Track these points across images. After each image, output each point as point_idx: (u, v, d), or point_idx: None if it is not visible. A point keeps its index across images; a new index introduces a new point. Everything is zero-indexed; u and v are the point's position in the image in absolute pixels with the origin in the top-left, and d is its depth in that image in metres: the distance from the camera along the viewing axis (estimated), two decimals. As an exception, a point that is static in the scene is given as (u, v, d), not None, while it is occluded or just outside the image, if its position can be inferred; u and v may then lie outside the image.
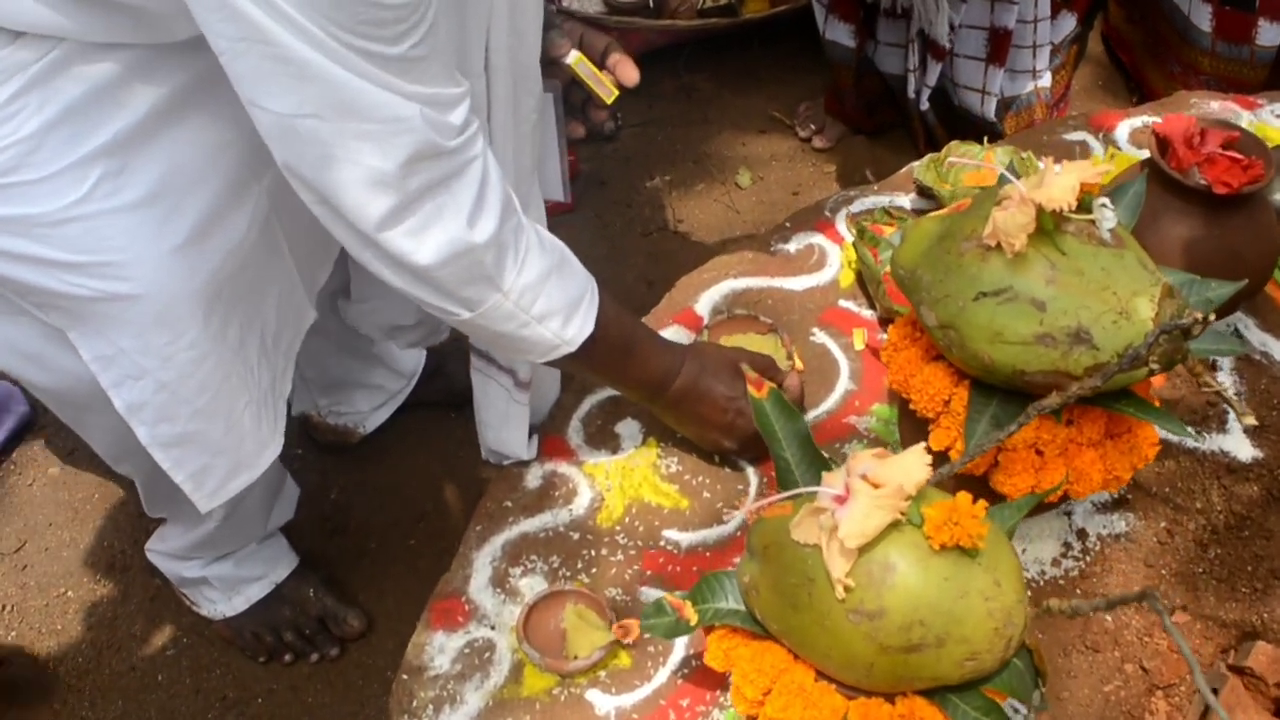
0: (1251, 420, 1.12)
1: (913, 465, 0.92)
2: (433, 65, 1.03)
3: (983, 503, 0.94)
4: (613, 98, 1.40)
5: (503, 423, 1.43)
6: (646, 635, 1.16)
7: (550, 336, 1.22)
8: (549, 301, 1.20)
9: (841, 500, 0.93)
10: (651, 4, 2.76)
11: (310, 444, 2.05)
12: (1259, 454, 1.37)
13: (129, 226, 1.16)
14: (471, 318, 1.17)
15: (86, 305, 1.18)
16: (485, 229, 1.10)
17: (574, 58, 1.39)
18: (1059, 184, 1.07)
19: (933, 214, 1.22)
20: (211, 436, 1.32)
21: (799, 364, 1.44)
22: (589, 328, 1.24)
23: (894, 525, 0.92)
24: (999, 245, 1.09)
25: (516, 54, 1.25)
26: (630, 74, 1.41)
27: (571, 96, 1.45)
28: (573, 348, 1.23)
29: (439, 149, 1.05)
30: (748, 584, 1.02)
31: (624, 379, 1.36)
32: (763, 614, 1.01)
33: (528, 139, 1.33)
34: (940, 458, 1.16)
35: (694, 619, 1.04)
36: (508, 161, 1.28)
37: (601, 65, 1.41)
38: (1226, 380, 1.45)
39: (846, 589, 0.92)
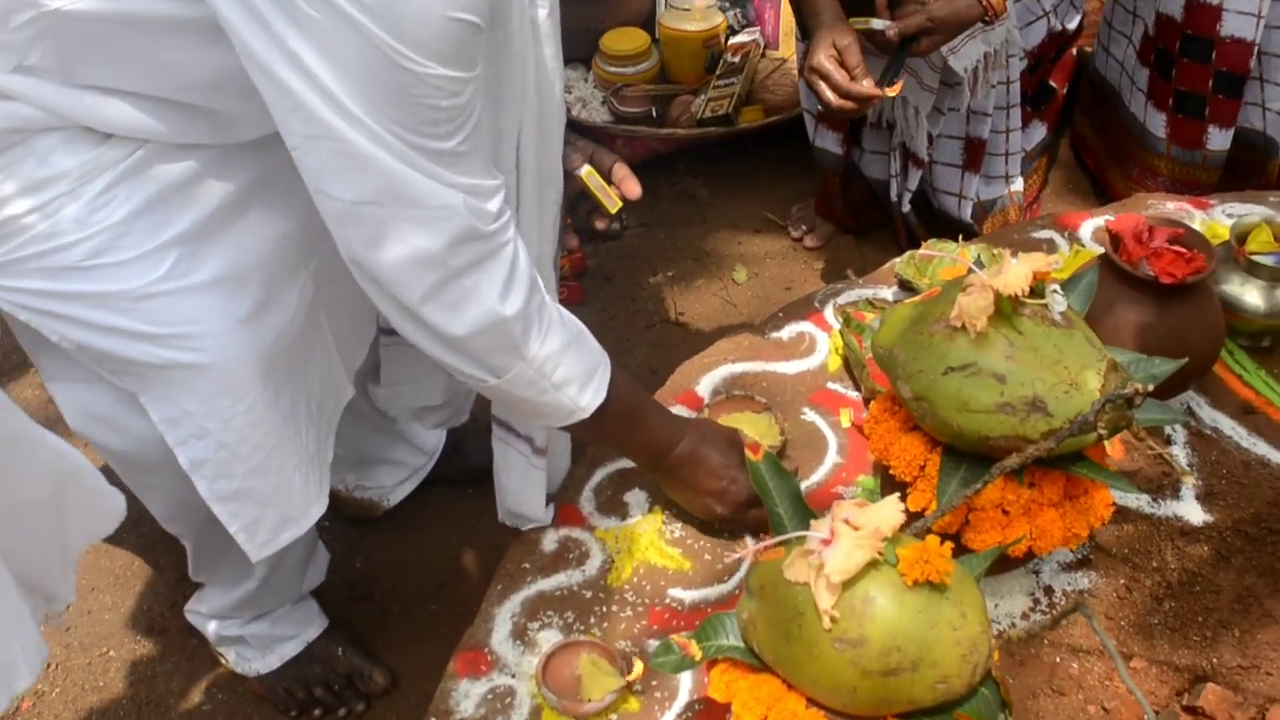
0: (1191, 479, 1.26)
1: (888, 511, 1.07)
2: (475, 159, 1.18)
3: (949, 544, 1.08)
4: (617, 208, 1.53)
5: (522, 487, 1.55)
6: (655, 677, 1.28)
7: (567, 402, 1.34)
8: (567, 370, 1.32)
9: (827, 542, 1.06)
10: (654, 114, 2.91)
11: (338, 516, 2.16)
12: (1209, 518, 1.50)
13: (201, 303, 1.31)
14: (498, 384, 1.30)
15: (158, 372, 1.32)
16: (514, 304, 1.23)
17: (585, 171, 1.52)
18: (1014, 272, 1.23)
19: (907, 300, 1.38)
20: (264, 492, 1.44)
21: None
22: (601, 395, 1.36)
23: (873, 564, 1.06)
24: (964, 326, 1.24)
25: (543, 154, 1.37)
26: (633, 188, 1.53)
27: (579, 205, 1.58)
28: (587, 414, 1.36)
29: (478, 233, 1.18)
30: (746, 620, 1.15)
31: (630, 445, 1.48)
32: (759, 647, 1.13)
33: (550, 229, 1.46)
34: (918, 518, 1.30)
35: (698, 654, 1.16)
36: (532, 246, 1.41)
37: (609, 179, 1.54)
38: (1180, 453, 1.58)
39: (832, 619, 1.05)
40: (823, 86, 1.95)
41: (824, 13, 2.01)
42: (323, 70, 1.05)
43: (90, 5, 1.16)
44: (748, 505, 1.48)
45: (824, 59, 1.94)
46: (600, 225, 1.57)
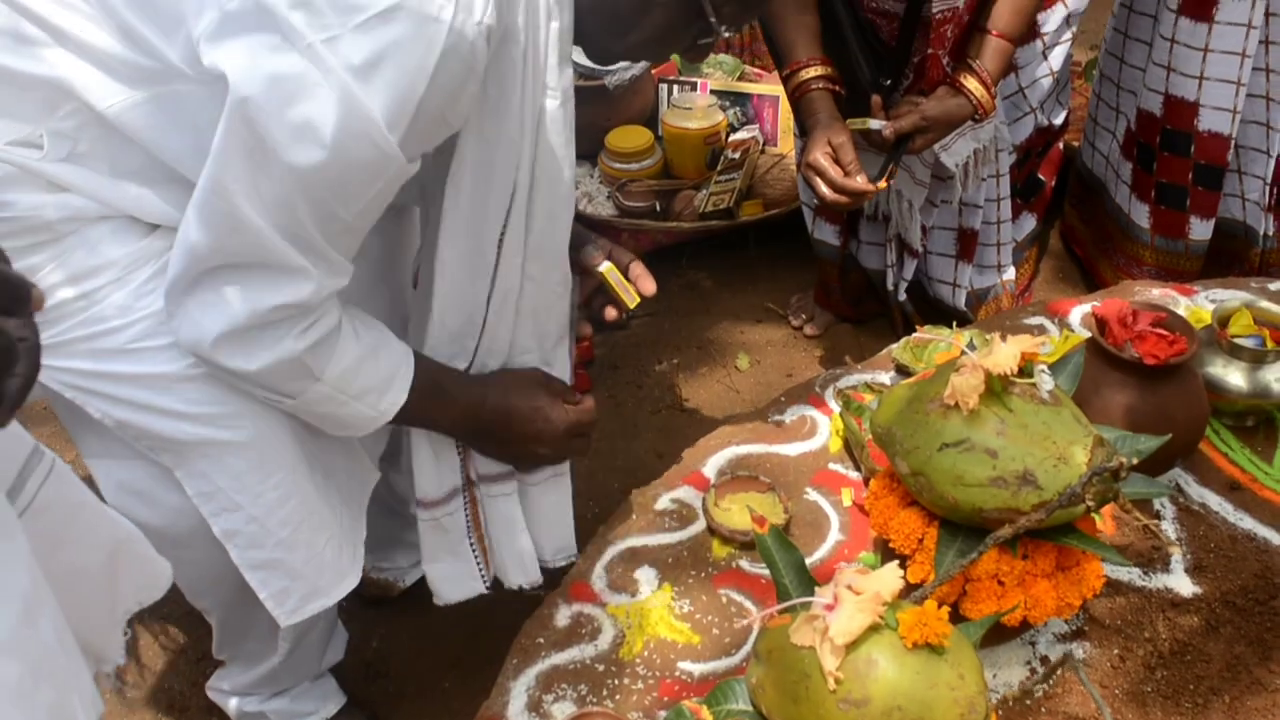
0: (1178, 550, 1.32)
1: (888, 577, 1.13)
2: (355, 240, 1.29)
3: (946, 608, 1.14)
4: (635, 303, 1.61)
5: (516, 534, 1.66)
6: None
7: (368, 410, 1.42)
8: (365, 382, 1.40)
9: (831, 607, 1.13)
10: (658, 208, 3.01)
11: (356, 596, 2.21)
12: (1198, 590, 1.56)
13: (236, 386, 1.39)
14: (294, 404, 1.37)
15: (194, 448, 1.40)
16: (309, 339, 1.31)
17: (606, 267, 1.61)
18: (1003, 353, 1.31)
19: (904, 382, 1.45)
20: (293, 564, 1.51)
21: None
22: (402, 398, 1.44)
23: (874, 628, 1.12)
24: (957, 404, 1.31)
25: (550, 237, 1.46)
26: (649, 286, 1.62)
27: (594, 298, 1.67)
28: (388, 418, 1.44)
29: (310, 305, 1.29)
30: (755, 684, 1.21)
31: (438, 423, 1.55)
32: (768, 710, 1.19)
33: (554, 309, 1.54)
34: (917, 589, 1.36)
35: (709, 719, 1.22)
36: (522, 324, 1.52)
37: (626, 276, 1.62)
38: (1169, 527, 1.64)
39: (837, 681, 1.11)
40: (819, 181, 2.04)
41: (820, 113, 2.11)
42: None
43: (126, 108, 1.25)
44: (568, 436, 1.57)
45: (820, 156, 2.04)
46: (610, 317, 1.65)
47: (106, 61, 1.25)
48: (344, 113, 1.15)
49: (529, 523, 1.68)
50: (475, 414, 1.53)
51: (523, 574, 1.71)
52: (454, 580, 1.70)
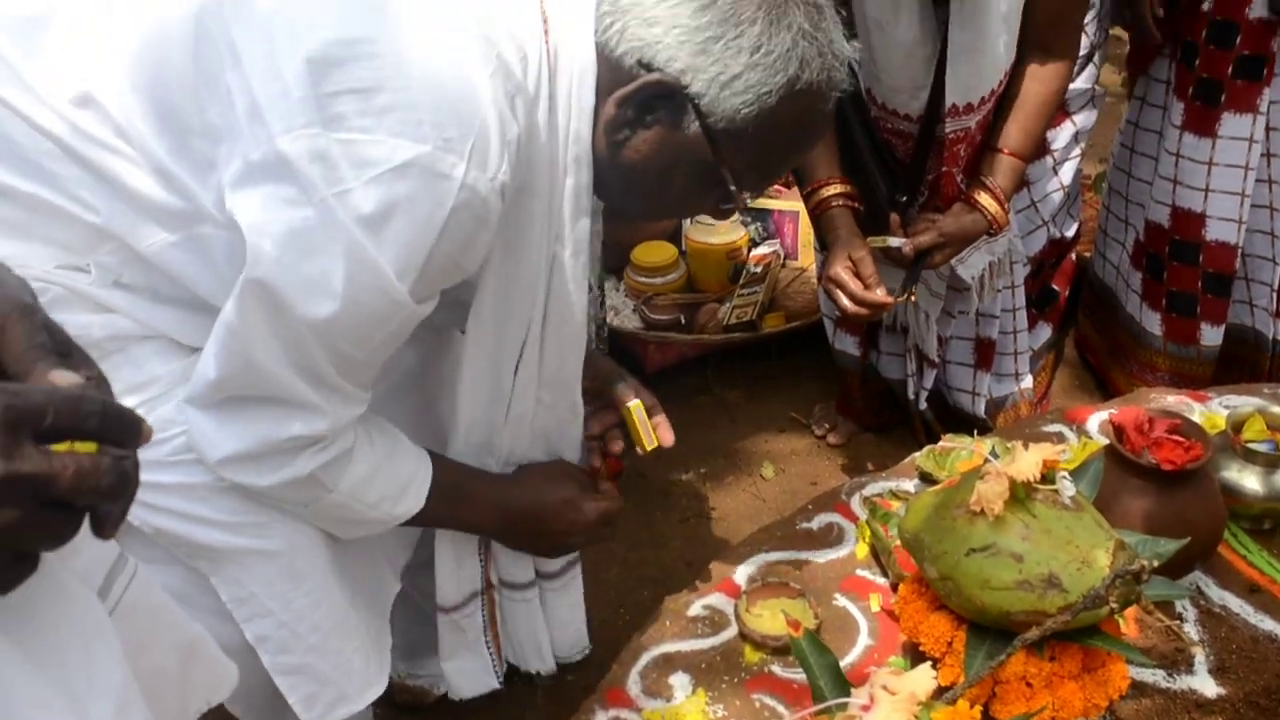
0: (1200, 651, 1.36)
1: (921, 678, 1.18)
2: (369, 372, 1.36)
3: (978, 708, 1.18)
4: (652, 446, 1.68)
5: (538, 628, 1.71)
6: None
7: (383, 516, 1.48)
8: (380, 490, 1.45)
9: (867, 707, 1.18)
10: (683, 321, 3.09)
11: (390, 703, 2.24)
12: (1222, 691, 1.59)
13: None
14: (307, 511, 1.43)
15: (228, 556, 1.45)
16: (321, 459, 1.37)
17: (634, 404, 1.67)
18: (1026, 460, 1.37)
19: (930, 489, 1.51)
20: (322, 669, 1.55)
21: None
22: (420, 502, 1.49)
23: (910, 728, 1.17)
24: (983, 511, 1.37)
25: (560, 370, 1.53)
26: (668, 437, 1.69)
27: (609, 432, 1.73)
28: (403, 519, 1.49)
29: (324, 435, 1.35)
30: (795, 784, 1.25)
31: (463, 523, 1.61)
32: (808, 809, 1.23)
33: (565, 432, 1.63)
34: (948, 690, 1.40)
35: (751, 819, 1.26)
36: (533, 441, 1.60)
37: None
38: (1191, 629, 1.68)
39: (875, 778, 1.15)
40: (840, 294, 2.12)
41: (840, 229, 2.20)
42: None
43: (162, 248, 1.33)
44: (599, 525, 1.63)
45: (840, 270, 2.12)
46: (616, 449, 1.72)
47: (144, 205, 1.31)
48: (354, 264, 1.21)
49: (546, 622, 1.77)
50: (504, 512, 1.59)
51: (540, 661, 1.81)
52: (470, 675, 1.78)
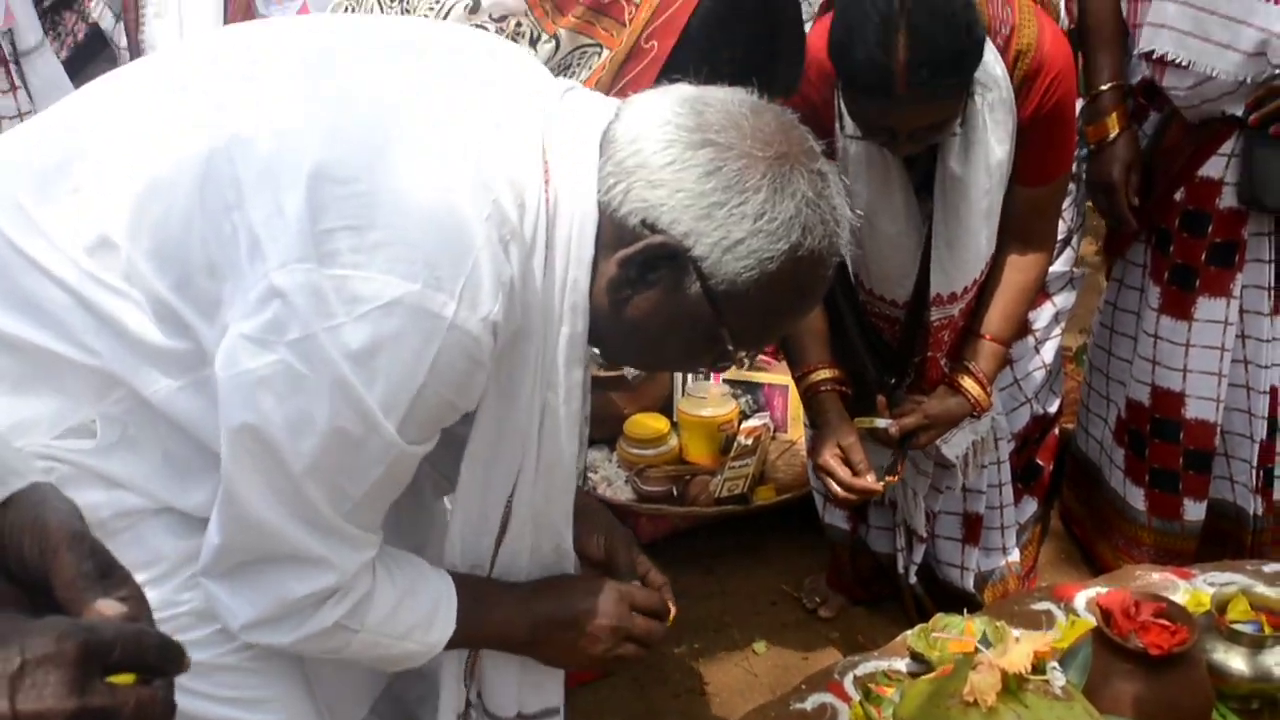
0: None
1: None
2: (373, 514, 1.36)
3: None
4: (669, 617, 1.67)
5: None
6: None
7: (417, 647, 1.45)
8: (408, 621, 1.43)
9: None
10: (675, 493, 3.13)
11: None
12: None
13: (267, 671, 1.45)
14: (341, 654, 1.42)
15: None
16: (340, 611, 1.37)
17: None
18: (1017, 652, 1.41)
19: (924, 677, 1.55)
20: None
21: None
22: (451, 626, 1.46)
23: None
24: (976, 701, 1.40)
25: (544, 515, 1.51)
26: (670, 607, 1.67)
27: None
28: (440, 647, 1.47)
29: (337, 588, 1.35)
30: None
31: (493, 642, 1.57)
32: None
33: (551, 572, 1.60)
34: None
35: None
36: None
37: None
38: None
39: None
40: (830, 481, 2.18)
41: (829, 412, 2.27)
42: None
43: (169, 394, 1.32)
44: (639, 631, 1.59)
45: (829, 458, 2.18)
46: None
47: (149, 350, 1.31)
48: (339, 400, 1.22)
49: None
50: (534, 626, 1.55)
51: None
52: None
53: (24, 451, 1.23)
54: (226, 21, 3.12)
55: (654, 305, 1.37)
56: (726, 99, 1.36)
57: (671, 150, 1.32)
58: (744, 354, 1.46)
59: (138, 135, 1.35)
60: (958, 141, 2.12)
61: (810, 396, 2.32)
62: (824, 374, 2.31)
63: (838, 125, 2.13)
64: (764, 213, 1.30)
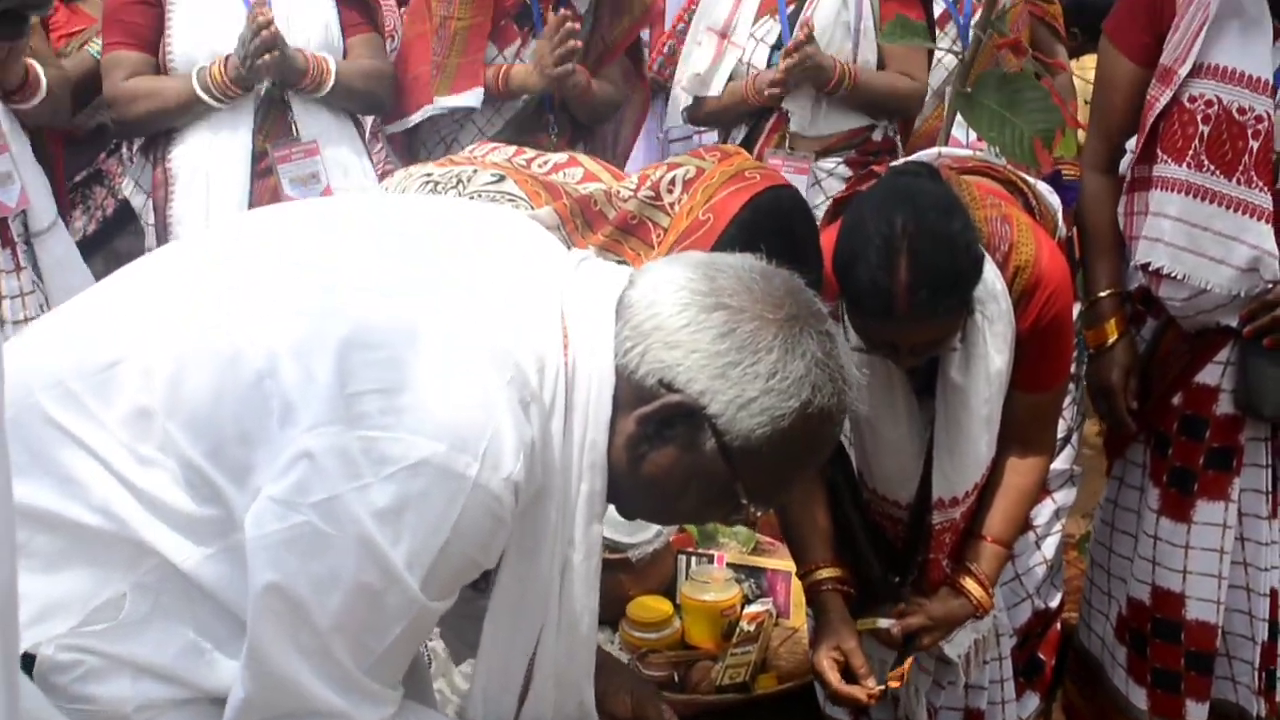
0: None
1: None
2: (392, 671, 1.37)
3: None
4: None
5: None
6: None
7: None
8: None
9: None
10: (676, 679, 3.12)
11: None
12: None
13: None
14: None
15: None
16: None
17: None
18: None
19: None
20: None
21: None
22: None
23: None
24: None
25: (566, 671, 1.54)
26: None
27: None
28: None
29: None
30: None
31: None
32: None
33: None
34: None
35: None
36: None
37: None
38: None
39: None
40: (828, 681, 2.19)
41: (831, 613, 2.29)
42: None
43: (199, 562, 1.35)
44: None
45: (825, 662, 2.20)
46: None
47: (180, 519, 1.34)
48: (364, 557, 1.26)
49: None
50: None
51: None
52: None
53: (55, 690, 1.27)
54: (253, 202, 3.24)
55: (671, 461, 1.43)
56: (737, 264, 1.45)
57: (687, 313, 1.39)
58: (756, 509, 1.53)
59: (173, 314, 1.42)
60: (958, 353, 2.18)
61: (813, 594, 2.34)
62: (827, 573, 2.33)
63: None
64: (776, 372, 1.37)
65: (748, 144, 3.65)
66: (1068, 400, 2.71)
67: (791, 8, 3.56)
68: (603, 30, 3.62)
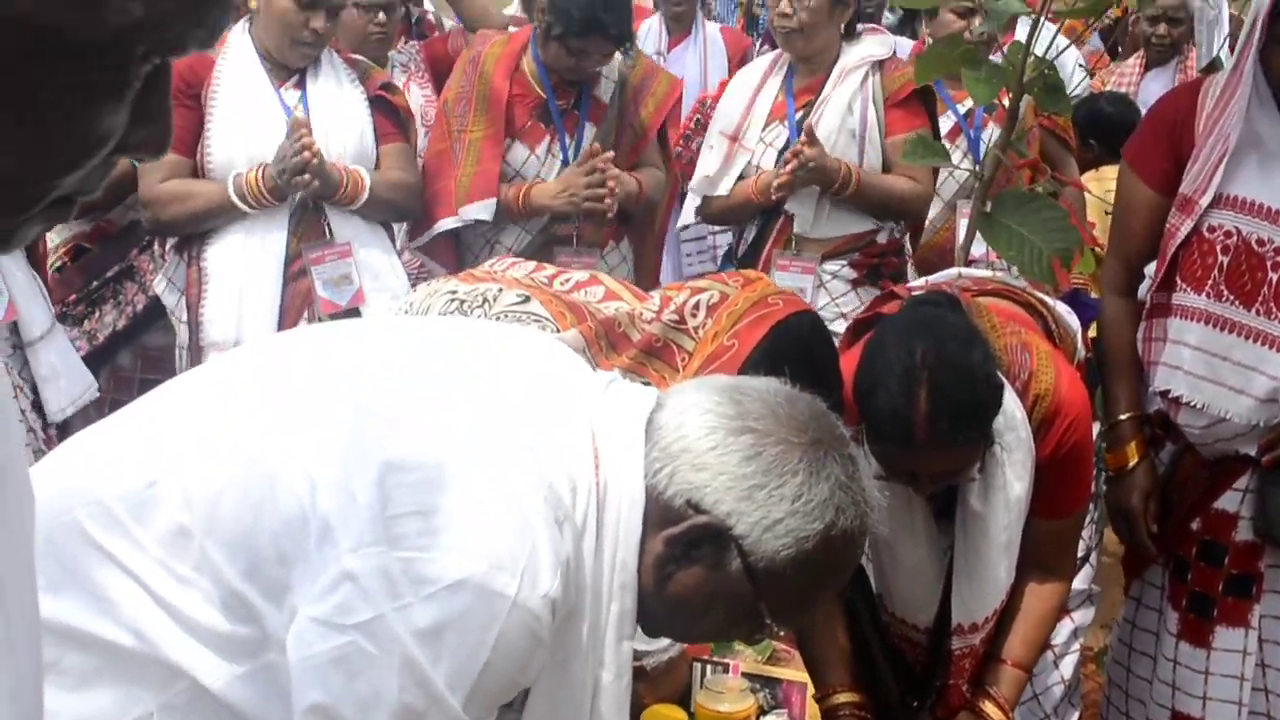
0: None
1: None
2: None
3: None
4: None
5: None
6: None
7: None
8: None
9: None
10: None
11: None
12: None
13: None
14: None
15: None
16: None
17: None
18: None
19: None
20: None
21: None
22: None
23: None
24: None
25: None
26: None
27: None
28: None
29: None
30: None
31: None
32: None
33: None
34: None
35: None
36: None
37: None
38: None
39: None
40: None
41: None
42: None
43: (229, 682, 1.35)
44: None
45: None
46: None
47: (213, 638, 1.34)
48: (407, 678, 1.26)
49: None
50: None
51: None
52: None
53: None
54: (285, 304, 3.28)
55: (697, 581, 1.44)
56: (763, 389, 1.48)
57: (714, 436, 1.42)
58: (779, 628, 1.54)
59: (210, 431, 1.44)
60: (978, 481, 2.20)
61: (829, 718, 2.34)
62: (845, 697, 2.33)
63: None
64: (801, 494, 1.40)
65: (757, 244, 3.77)
66: (1086, 519, 2.72)
67: (800, 114, 3.65)
68: (630, 118, 3.71)
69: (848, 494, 1.43)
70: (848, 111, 3.60)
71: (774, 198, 3.59)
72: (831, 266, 3.66)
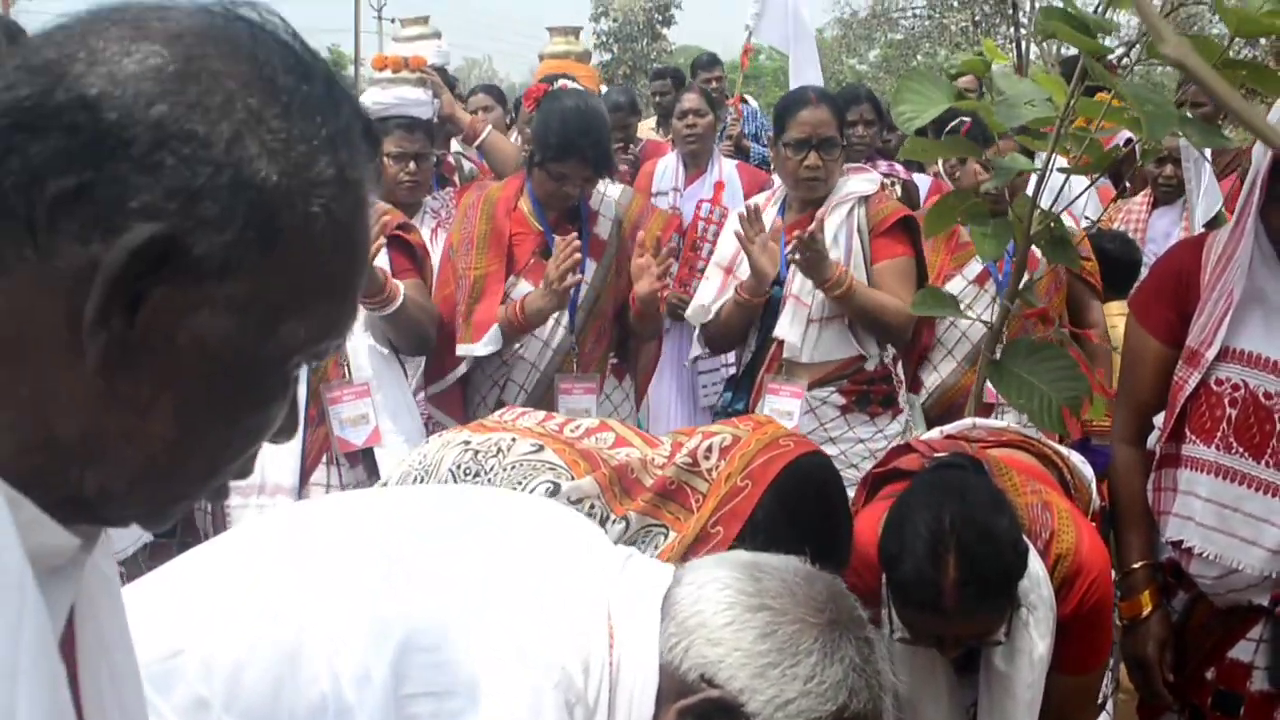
0: None
1: None
2: None
3: None
4: None
5: None
6: None
7: None
8: None
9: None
10: None
11: None
12: None
13: None
14: None
15: None
16: None
17: None
18: None
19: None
20: None
21: None
22: None
23: None
24: None
25: None
26: None
27: None
28: None
29: None
30: None
31: None
32: None
33: None
34: None
35: None
36: None
37: None
38: None
39: None
40: None
41: None
42: None
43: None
44: None
45: None
46: None
47: None
48: None
49: None
50: None
51: None
52: None
53: None
54: (305, 450, 3.30)
55: None
56: (782, 566, 1.50)
57: (730, 612, 1.44)
58: None
59: (234, 601, 1.46)
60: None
61: None
62: None
63: (885, 626, 2.25)
64: (814, 675, 1.41)
65: (751, 370, 3.88)
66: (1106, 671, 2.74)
67: (790, 245, 3.73)
68: (629, 252, 3.78)
69: (862, 677, 1.45)
70: (833, 243, 3.71)
71: (759, 284, 3.70)
72: (820, 393, 3.73)
